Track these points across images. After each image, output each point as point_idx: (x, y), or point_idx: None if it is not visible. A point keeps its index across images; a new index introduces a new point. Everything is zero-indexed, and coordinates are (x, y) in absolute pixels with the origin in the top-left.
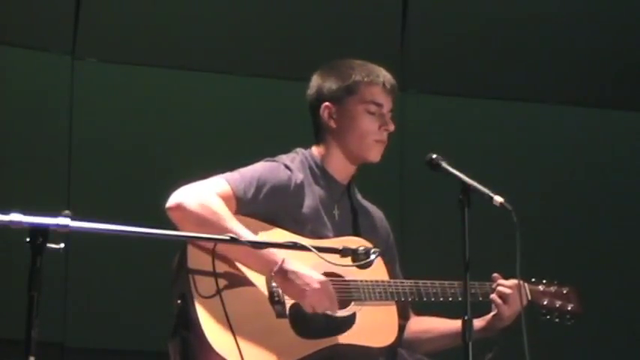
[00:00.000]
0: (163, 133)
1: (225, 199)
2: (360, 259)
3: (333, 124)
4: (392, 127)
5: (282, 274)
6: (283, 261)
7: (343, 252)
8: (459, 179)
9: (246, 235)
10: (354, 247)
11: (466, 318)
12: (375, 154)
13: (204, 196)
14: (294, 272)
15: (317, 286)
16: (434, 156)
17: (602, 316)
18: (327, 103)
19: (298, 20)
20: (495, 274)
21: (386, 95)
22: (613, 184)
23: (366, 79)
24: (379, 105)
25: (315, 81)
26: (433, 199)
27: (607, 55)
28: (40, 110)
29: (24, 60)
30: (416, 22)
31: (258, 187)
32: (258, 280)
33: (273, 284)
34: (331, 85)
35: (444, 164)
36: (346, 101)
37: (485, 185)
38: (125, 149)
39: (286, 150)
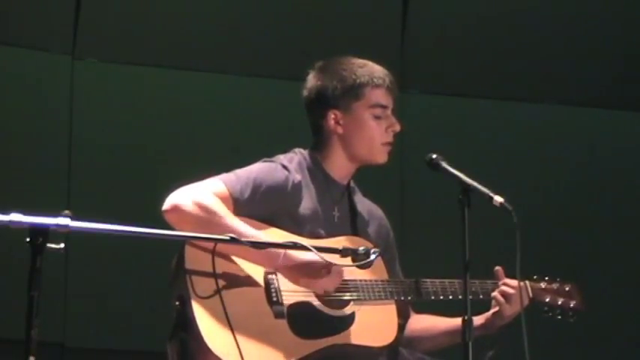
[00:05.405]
0: (163, 133)
1: (222, 199)
2: (360, 259)
3: (340, 130)
4: (398, 127)
5: (288, 265)
6: (285, 253)
7: (343, 252)
8: (459, 179)
9: (246, 230)
10: (353, 247)
11: (466, 318)
12: (382, 157)
13: (200, 197)
14: (299, 260)
15: (324, 269)
16: (434, 156)
17: (602, 315)
18: (334, 111)
19: (298, 20)
20: (498, 268)
21: (390, 96)
22: (613, 183)
23: (370, 83)
24: (384, 107)
25: (314, 82)
26: (433, 199)
27: (607, 55)
28: (40, 110)
29: (24, 60)
30: (416, 22)
31: (255, 188)
32: (257, 280)
33: (272, 281)
34: (334, 89)
35: (444, 164)
36: (352, 107)
37: (485, 185)
38: (125, 149)
39: (285, 150)
